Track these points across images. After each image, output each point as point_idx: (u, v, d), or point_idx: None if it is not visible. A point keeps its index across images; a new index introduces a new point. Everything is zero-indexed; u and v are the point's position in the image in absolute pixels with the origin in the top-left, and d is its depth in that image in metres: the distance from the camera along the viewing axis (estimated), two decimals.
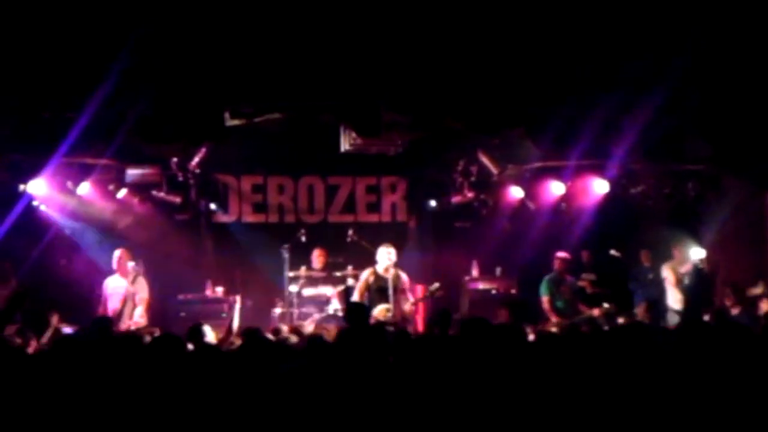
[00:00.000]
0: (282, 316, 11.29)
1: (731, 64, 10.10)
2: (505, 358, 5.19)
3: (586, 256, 12.38)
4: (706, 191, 12.16)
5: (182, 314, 11.09)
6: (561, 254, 11.57)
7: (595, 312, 10.95)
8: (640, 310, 10.17)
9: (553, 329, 8.83)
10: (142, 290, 10.45)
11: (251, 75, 9.35)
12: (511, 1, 9.29)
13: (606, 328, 10.18)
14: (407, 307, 10.38)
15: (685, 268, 11.73)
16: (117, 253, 10.52)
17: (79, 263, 11.42)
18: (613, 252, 11.83)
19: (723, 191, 11.95)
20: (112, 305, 10.34)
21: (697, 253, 11.66)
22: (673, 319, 10.99)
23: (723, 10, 9.47)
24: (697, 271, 11.65)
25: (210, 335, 8.06)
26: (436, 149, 12.01)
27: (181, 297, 11.38)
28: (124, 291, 10.34)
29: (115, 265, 10.48)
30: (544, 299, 11.26)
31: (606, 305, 10.93)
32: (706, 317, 8.80)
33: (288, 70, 9.26)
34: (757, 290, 9.98)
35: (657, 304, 10.93)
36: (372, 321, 9.80)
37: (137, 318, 10.26)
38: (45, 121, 9.84)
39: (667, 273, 11.83)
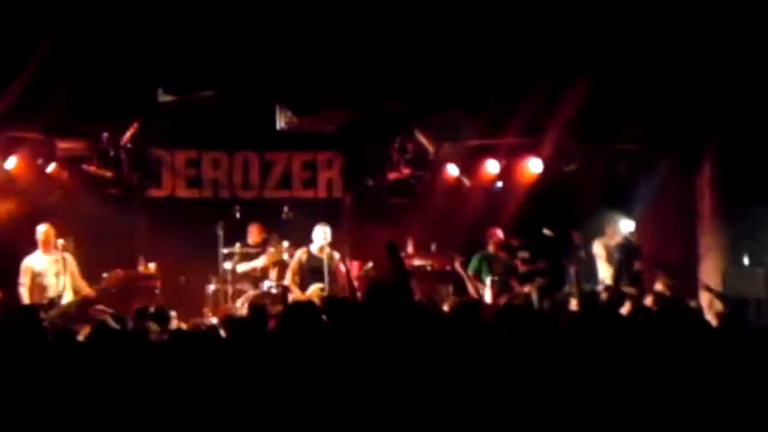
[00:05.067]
0: (216, 293, 11.20)
1: (665, 44, 10.24)
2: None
3: (515, 242, 12.47)
4: (637, 171, 12.33)
5: (113, 290, 10.86)
6: (494, 230, 11.65)
7: (527, 288, 11.12)
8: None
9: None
10: (72, 265, 10.30)
11: (186, 51, 9.20)
12: None
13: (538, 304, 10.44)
14: (341, 285, 10.36)
15: (615, 241, 11.87)
16: (43, 228, 10.26)
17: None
18: (545, 231, 11.93)
19: (654, 171, 12.13)
20: (47, 282, 10.13)
21: (626, 226, 11.80)
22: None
23: None
24: (627, 244, 11.80)
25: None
26: (372, 126, 11.95)
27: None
28: (57, 267, 10.13)
29: (40, 241, 10.22)
30: (470, 275, 11.27)
31: (539, 280, 11.10)
32: (648, 301, 8.92)
33: (224, 48, 9.12)
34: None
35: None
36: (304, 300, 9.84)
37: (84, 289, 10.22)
38: None
39: (598, 249, 11.97)
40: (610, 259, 11.73)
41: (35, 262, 10.16)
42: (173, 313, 8.46)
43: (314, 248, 10.55)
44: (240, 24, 8.89)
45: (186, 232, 11.92)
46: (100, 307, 9.88)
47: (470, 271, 11.28)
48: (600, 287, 11.21)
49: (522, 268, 11.91)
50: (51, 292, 10.02)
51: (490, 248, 11.55)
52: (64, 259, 10.17)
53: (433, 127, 11.87)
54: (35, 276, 10.11)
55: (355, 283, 10.06)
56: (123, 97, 9.98)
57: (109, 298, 10.43)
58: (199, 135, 12.18)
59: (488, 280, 11.07)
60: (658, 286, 10.16)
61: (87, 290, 10.26)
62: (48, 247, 10.21)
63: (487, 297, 10.79)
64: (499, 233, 11.62)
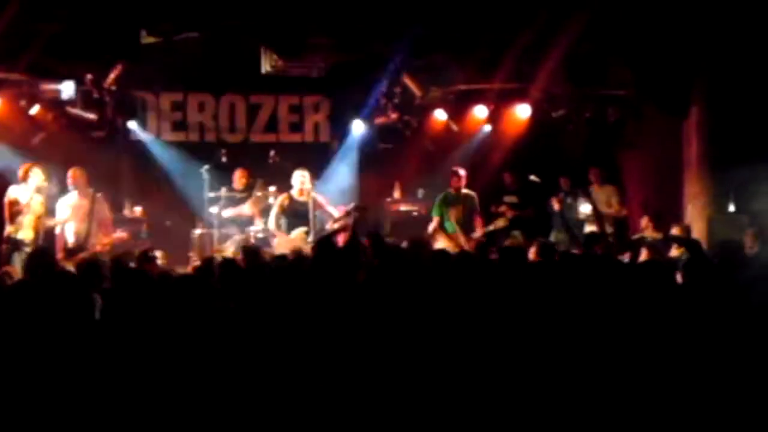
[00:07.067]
0: (201, 238, 11.20)
1: None
2: None
3: (508, 179, 12.47)
4: (626, 117, 12.30)
5: None
6: (454, 169, 11.43)
7: (491, 227, 11.05)
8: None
9: None
10: (104, 210, 10.31)
11: None
12: None
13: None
14: (329, 226, 10.35)
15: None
16: (73, 172, 10.19)
17: None
18: (532, 177, 11.92)
19: (642, 117, 12.10)
20: (75, 224, 10.10)
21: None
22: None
23: None
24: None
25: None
26: (360, 70, 11.85)
27: None
28: (86, 209, 10.09)
29: (71, 184, 10.17)
30: (434, 220, 11.21)
31: (498, 220, 11.05)
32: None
33: None
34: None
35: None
36: (290, 246, 9.83)
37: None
38: None
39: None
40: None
41: (67, 201, 10.16)
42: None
43: (295, 192, 10.57)
44: None
45: (172, 176, 11.92)
46: None
47: (434, 217, 11.21)
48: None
49: (508, 213, 11.86)
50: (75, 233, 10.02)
51: (452, 189, 11.37)
52: (93, 203, 10.11)
53: (421, 71, 11.78)
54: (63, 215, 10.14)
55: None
56: (106, 39, 9.89)
57: None
58: (184, 77, 12.05)
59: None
60: (675, 231, 10.03)
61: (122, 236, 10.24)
62: (81, 190, 10.17)
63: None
64: (461, 172, 11.35)
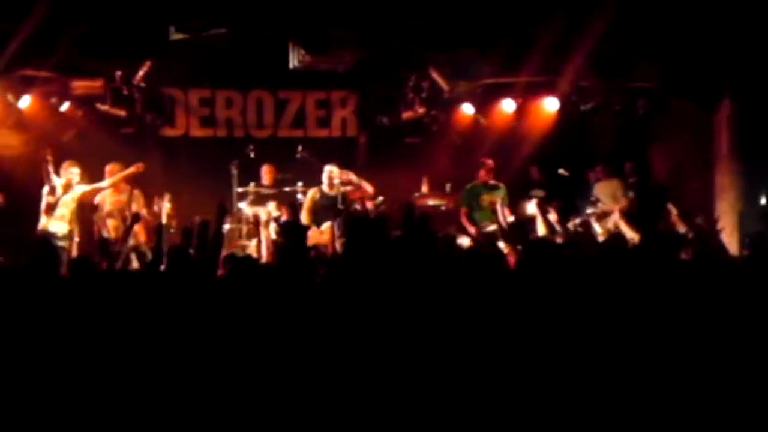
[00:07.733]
0: (230, 233, 11.24)
1: None
2: None
3: (535, 173, 12.42)
4: (655, 110, 12.22)
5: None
6: (483, 160, 11.47)
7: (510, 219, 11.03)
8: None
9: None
10: (141, 205, 10.59)
11: None
12: None
13: None
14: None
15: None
16: (111, 167, 10.53)
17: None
18: (561, 171, 11.89)
19: (672, 111, 12.01)
20: (113, 219, 10.37)
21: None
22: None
23: None
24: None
25: None
26: (387, 64, 11.87)
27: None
28: (123, 204, 10.28)
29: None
30: (462, 210, 11.25)
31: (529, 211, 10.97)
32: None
33: None
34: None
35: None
36: (318, 240, 9.92)
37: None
38: None
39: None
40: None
41: (107, 199, 10.56)
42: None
43: (325, 187, 10.66)
44: None
45: (200, 172, 11.98)
46: None
47: (462, 207, 11.19)
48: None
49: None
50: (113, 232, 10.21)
51: (479, 179, 11.40)
52: (131, 200, 10.44)
53: (448, 65, 11.76)
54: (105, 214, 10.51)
55: None
56: (135, 36, 9.96)
57: None
58: (212, 74, 12.13)
59: None
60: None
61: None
62: (117, 186, 10.53)
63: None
64: (490, 163, 11.39)
